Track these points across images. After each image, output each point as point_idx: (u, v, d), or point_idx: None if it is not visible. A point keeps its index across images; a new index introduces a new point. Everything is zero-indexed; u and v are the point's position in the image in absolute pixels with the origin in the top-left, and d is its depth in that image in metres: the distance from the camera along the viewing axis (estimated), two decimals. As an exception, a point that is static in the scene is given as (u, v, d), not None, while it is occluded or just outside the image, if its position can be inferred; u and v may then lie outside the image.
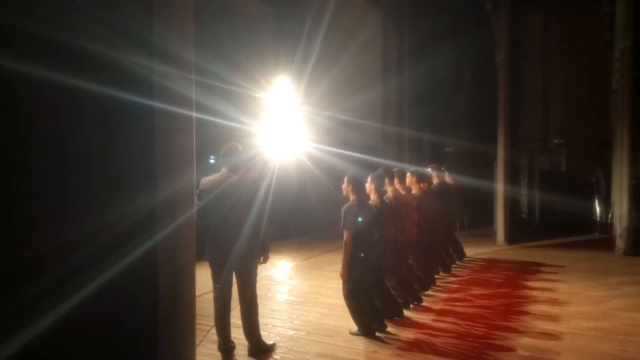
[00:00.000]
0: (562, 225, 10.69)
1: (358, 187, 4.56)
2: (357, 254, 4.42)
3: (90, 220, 2.08)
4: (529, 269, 7.47)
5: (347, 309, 5.31)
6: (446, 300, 5.78)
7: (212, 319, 4.06)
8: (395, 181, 5.53)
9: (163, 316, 2.28)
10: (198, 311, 3.33)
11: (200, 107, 2.86)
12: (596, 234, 10.74)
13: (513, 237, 9.90)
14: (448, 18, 12.24)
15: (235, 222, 3.87)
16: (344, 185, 4.57)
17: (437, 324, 4.89)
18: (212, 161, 9.45)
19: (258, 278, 4.16)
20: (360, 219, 4.40)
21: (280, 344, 4.32)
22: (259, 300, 4.17)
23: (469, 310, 5.32)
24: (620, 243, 8.64)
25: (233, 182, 3.92)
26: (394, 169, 5.68)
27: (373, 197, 4.83)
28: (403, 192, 5.58)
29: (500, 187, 10.01)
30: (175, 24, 2.32)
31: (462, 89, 13.02)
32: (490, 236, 10.27)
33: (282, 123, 10.09)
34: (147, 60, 2.07)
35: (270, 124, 9.76)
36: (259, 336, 4.10)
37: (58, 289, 1.97)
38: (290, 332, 4.66)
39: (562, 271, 7.31)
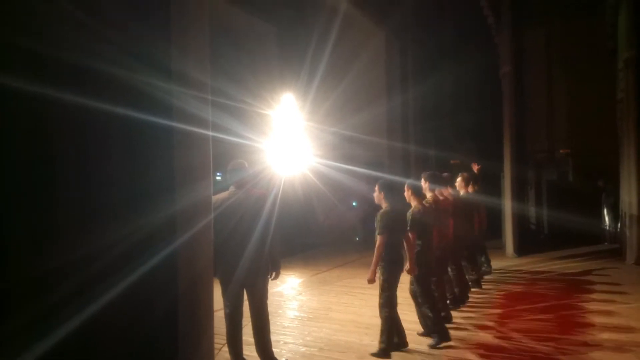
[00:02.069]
0: (571, 236, 10.62)
1: (390, 193, 4.57)
2: (388, 259, 4.39)
3: (113, 230, 2.20)
4: (544, 282, 7.40)
5: (358, 325, 5.32)
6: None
7: (224, 337, 4.06)
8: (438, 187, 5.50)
9: (182, 315, 2.40)
10: (211, 329, 3.35)
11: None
12: (606, 243, 10.66)
13: (522, 249, 9.85)
14: (451, 33, 12.38)
15: (241, 238, 3.89)
16: (376, 194, 4.59)
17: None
18: (218, 178, 9.52)
19: (268, 294, 4.16)
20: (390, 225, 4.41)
21: (293, 361, 4.30)
22: (270, 317, 4.17)
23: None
24: (631, 253, 8.58)
25: (238, 198, 3.96)
26: (444, 174, 5.71)
27: (414, 202, 4.84)
28: (441, 198, 5.52)
29: (507, 199, 10.00)
30: (192, 49, 2.47)
31: (467, 103, 13.08)
32: (500, 248, 10.21)
33: (288, 139, 10.19)
34: (166, 83, 2.21)
35: (276, 140, 9.86)
36: (271, 353, 4.08)
37: (84, 294, 2.09)
38: (302, 349, 4.64)
39: (575, 283, 7.25)
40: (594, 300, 6.18)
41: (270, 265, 4.11)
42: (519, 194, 10.69)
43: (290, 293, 7.17)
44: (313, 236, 12.18)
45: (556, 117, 12.50)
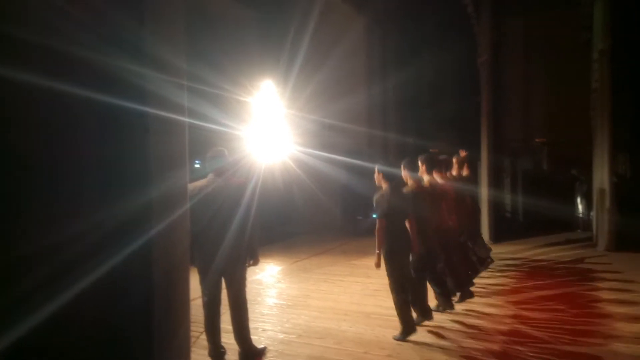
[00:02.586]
0: (545, 223, 10.86)
1: (389, 175, 4.56)
2: (390, 244, 4.40)
3: (85, 219, 2.14)
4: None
5: (336, 311, 5.37)
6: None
7: (202, 325, 4.05)
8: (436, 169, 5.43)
9: (158, 304, 2.38)
10: (188, 317, 3.32)
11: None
12: (579, 230, 10.95)
13: (498, 236, 10.04)
14: (431, 22, 12.38)
15: (220, 226, 3.88)
16: (375, 175, 4.58)
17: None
18: (197, 165, 9.41)
19: (247, 282, 4.16)
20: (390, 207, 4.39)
21: (271, 348, 4.32)
22: (249, 305, 4.17)
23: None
24: (602, 240, 8.82)
25: (217, 186, 3.93)
26: (439, 157, 5.64)
27: (410, 182, 4.80)
28: (441, 181, 5.42)
29: (484, 186, 10.15)
30: (167, 33, 2.42)
31: (446, 91, 13.16)
32: (476, 236, 10.37)
33: (267, 126, 10.11)
34: (139, 67, 2.14)
35: (256, 128, 9.77)
36: (249, 340, 4.10)
37: (53, 283, 2.03)
38: (281, 336, 4.67)
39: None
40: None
41: (249, 253, 4.10)
42: (495, 182, 10.86)
43: (269, 281, 7.18)
44: (293, 224, 12.18)
45: (532, 106, 12.68)
